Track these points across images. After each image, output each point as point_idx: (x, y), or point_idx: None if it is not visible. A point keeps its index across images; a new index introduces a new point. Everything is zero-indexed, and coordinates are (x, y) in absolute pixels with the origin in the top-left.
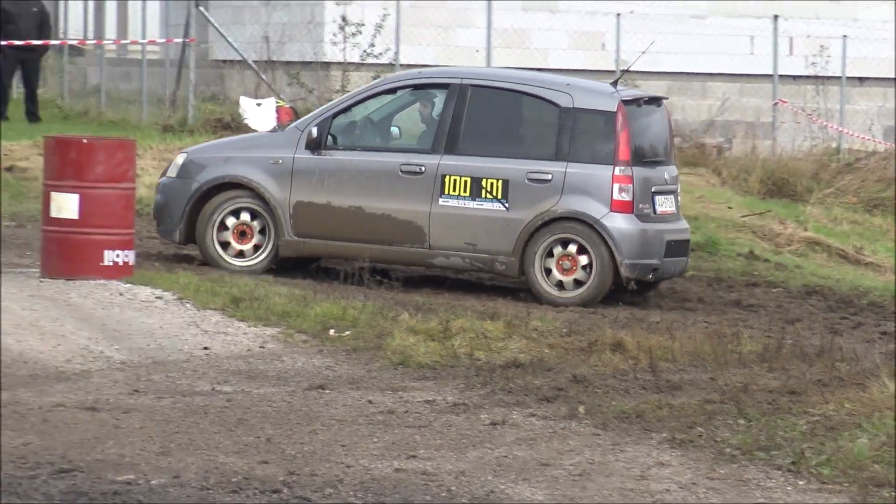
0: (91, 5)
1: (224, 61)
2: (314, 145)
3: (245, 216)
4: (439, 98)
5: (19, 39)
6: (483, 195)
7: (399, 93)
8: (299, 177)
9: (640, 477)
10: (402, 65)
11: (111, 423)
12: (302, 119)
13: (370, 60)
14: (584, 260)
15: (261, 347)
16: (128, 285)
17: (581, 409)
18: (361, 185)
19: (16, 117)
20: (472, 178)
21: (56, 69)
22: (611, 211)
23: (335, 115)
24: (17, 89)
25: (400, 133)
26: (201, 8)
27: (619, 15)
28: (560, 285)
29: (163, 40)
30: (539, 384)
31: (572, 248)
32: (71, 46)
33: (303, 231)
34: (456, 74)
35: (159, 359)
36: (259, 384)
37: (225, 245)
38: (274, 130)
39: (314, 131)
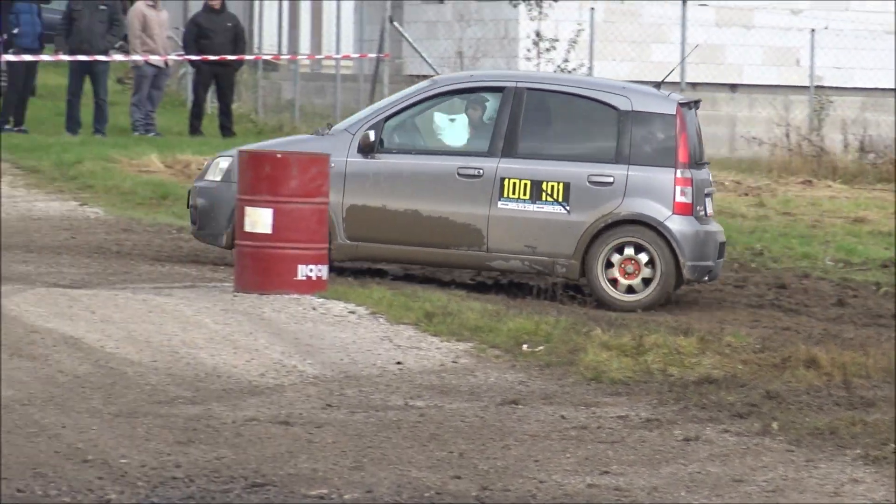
0: (285, 21)
1: (418, 76)
2: (367, 148)
3: None
4: (491, 101)
5: (214, 55)
6: (543, 198)
7: (452, 96)
8: (353, 180)
9: (833, 494)
10: None
11: (304, 437)
12: (350, 122)
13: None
14: (645, 262)
15: (453, 362)
16: (321, 300)
17: (774, 425)
18: (417, 189)
19: (210, 132)
20: (532, 181)
21: (250, 84)
22: (673, 213)
23: (387, 119)
24: (211, 104)
25: (455, 136)
26: (396, 24)
27: (813, 31)
28: (623, 288)
29: (357, 55)
30: (732, 400)
31: (633, 251)
32: (265, 61)
33: (356, 235)
34: (509, 77)
35: (352, 373)
36: (452, 399)
37: None
38: (319, 133)
39: (370, 134)
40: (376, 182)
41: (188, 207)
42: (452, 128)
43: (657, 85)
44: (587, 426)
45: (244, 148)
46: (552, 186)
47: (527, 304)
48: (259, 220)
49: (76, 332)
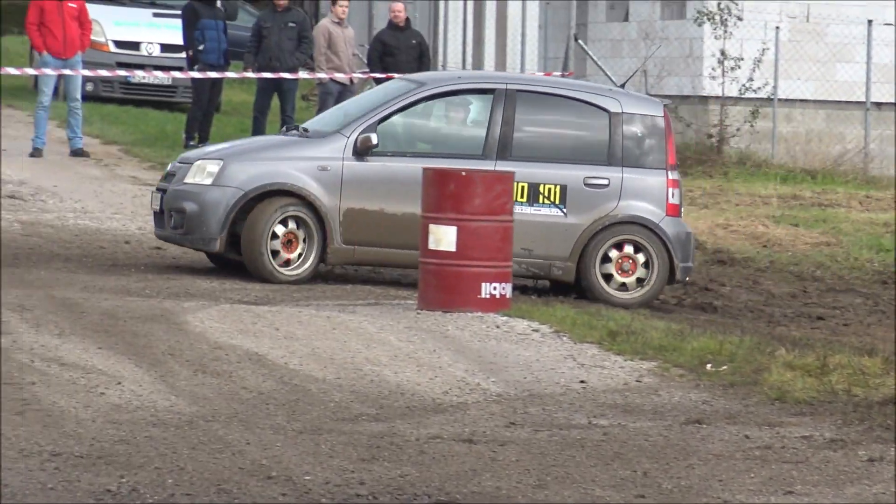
0: (469, 38)
1: None
2: (365, 151)
3: (291, 224)
4: (482, 103)
5: (398, 72)
6: (541, 201)
7: (441, 98)
8: (349, 183)
9: None
10: (779, 99)
11: (488, 455)
12: (336, 123)
13: (748, 95)
14: (642, 261)
15: (637, 381)
16: (504, 318)
17: None
18: (416, 191)
19: None
20: (528, 183)
21: None
22: (666, 215)
23: (380, 121)
24: None
25: (447, 139)
26: (580, 42)
27: None
28: (616, 284)
29: (541, 73)
30: None
31: (630, 250)
32: None
33: (353, 238)
34: (498, 79)
35: (535, 391)
36: (635, 418)
37: (273, 254)
38: (289, 134)
39: (372, 137)
40: (373, 185)
41: (161, 212)
42: (445, 130)
43: (621, 86)
44: (771, 446)
45: (428, 166)
46: (549, 189)
47: (710, 324)
48: (443, 237)
49: (260, 348)
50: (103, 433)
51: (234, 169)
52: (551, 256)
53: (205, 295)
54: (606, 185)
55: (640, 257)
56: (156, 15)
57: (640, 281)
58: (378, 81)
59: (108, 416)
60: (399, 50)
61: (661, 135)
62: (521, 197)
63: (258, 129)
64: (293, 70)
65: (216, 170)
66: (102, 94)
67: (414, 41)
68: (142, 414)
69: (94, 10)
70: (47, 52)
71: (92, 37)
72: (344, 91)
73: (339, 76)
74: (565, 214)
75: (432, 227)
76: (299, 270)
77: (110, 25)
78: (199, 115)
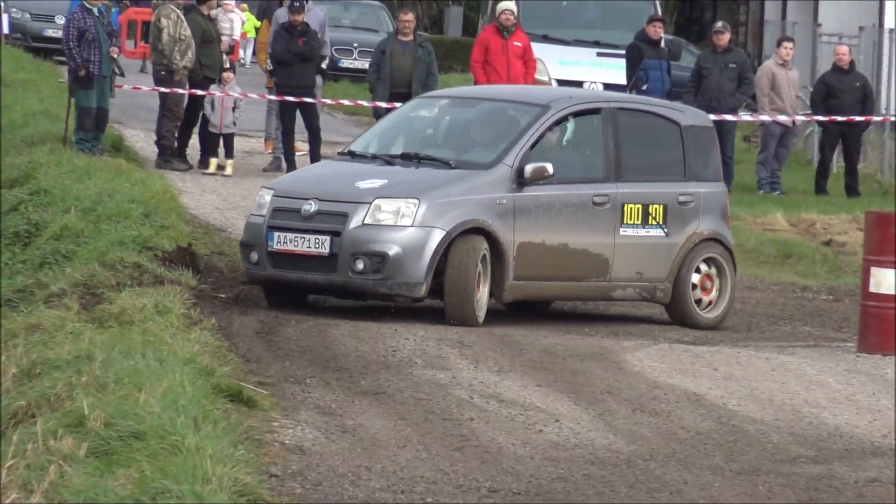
0: None
1: None
2: (532, 181)
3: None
4: (589, 123)
5: (841, 115)
6: (650, 222)
7: (566, 120)
8: (520, 215)
9: None
10: None
11: None
12: (500, 153)
13: None
14: (718, 279)
15: None
16: None
17: None
18: (566, 220)
19: (835, 191)
20: (642, 204)
21: (877, 144)
22: (727, 229)
23: (532, 147)
24: (837, 163)
25: (569, 162)
26: None
27: None
28: (703, 305)
29: None
30: None
31: (706, 268)
32: (893, 122)
33: (522, 273)
34: (600, 98)
35: None
36: None
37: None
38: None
39: (548, 167)
40: (537, 216)
41: (332, 255)
42: (567, 153)
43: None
44: None
45: (871, 210)
46: (656, 209)
47: None
48: (883, 280)
49: (698, 388)
50: (541, 470)
51: (432, 208)
52: (655, 278)
53: (643, 334)
54: (692, 202)
55: (715, 274)
56: (599, 55)
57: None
58: (820, 124)
59: (546, 453)
60: (843, 92)
61: (714, 146)
62: (637, 219)
63: None
64: (733, 111)
65: (413, 209)
66: None
67: (858, 84)
68: (580, 452)
69: (538, 49)
70: None
71: (536, 75)
72: (787, 133)
73: (781, 118)
74: (667, 234)
75: (874, 269)
76: (482, 311)
77: (554, 64)
78: None
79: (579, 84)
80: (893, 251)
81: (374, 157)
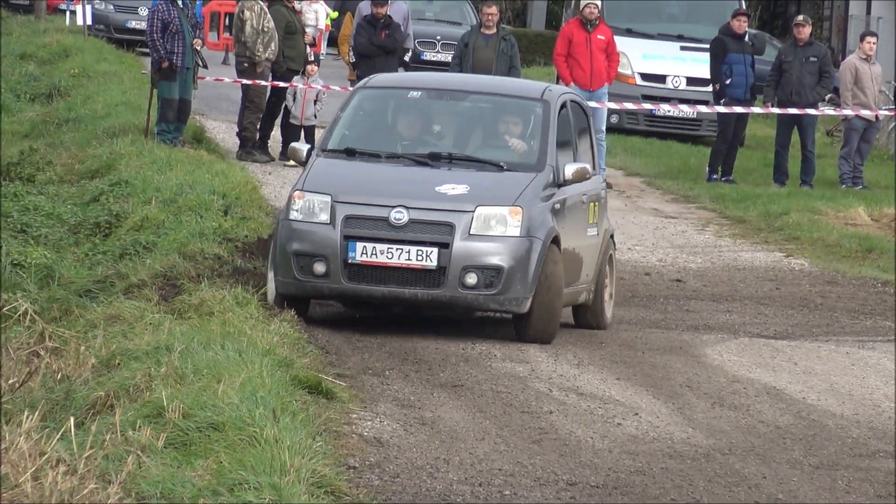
0: None
1: None
2: (563, 182)
3: None
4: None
5: None
6: (591, 220)
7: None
8: (560, 219)
9: None
10: None
11: None
12: (540, 154)
13: None
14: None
15: None
16: None
17: None
18: (571, 222)
19: None
20: (594, 202)
21: None
22: None
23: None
24: None
25: None
26: None
27: None
28: None
29: None
30: None
31: (609, 267)
32: None
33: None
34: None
35: None
36: None
37: None
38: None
39: (570, 169)
40: (565, 219)
41: (441, 269)
42: None
43: None
44: None
45: None
46: (595, 206)
47: None
48: None
49: (778, 382)
50: (619, 464)
51: (531, 216)
52: (590, 280)
53: (723, 328)
54: (605, 197)
55: (608, 271)
56: (683, 48)
57: None
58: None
59: (625, 446)
60: None
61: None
62: (594, 217)
63: (780, 164)
64: (813, 105)
65: (518, 218)
66: (626, 126)
67: None
68: (658, 445)
69: (622, 43)
70: (574, 84)
71: (619, 69)
72: (870, 128)
73: (864, 113)
74: (597, 233)
75: None
76: None
77: (638, 59)
78: (724, 149)
79: (662, 78)
80: None
81: (394, 157)
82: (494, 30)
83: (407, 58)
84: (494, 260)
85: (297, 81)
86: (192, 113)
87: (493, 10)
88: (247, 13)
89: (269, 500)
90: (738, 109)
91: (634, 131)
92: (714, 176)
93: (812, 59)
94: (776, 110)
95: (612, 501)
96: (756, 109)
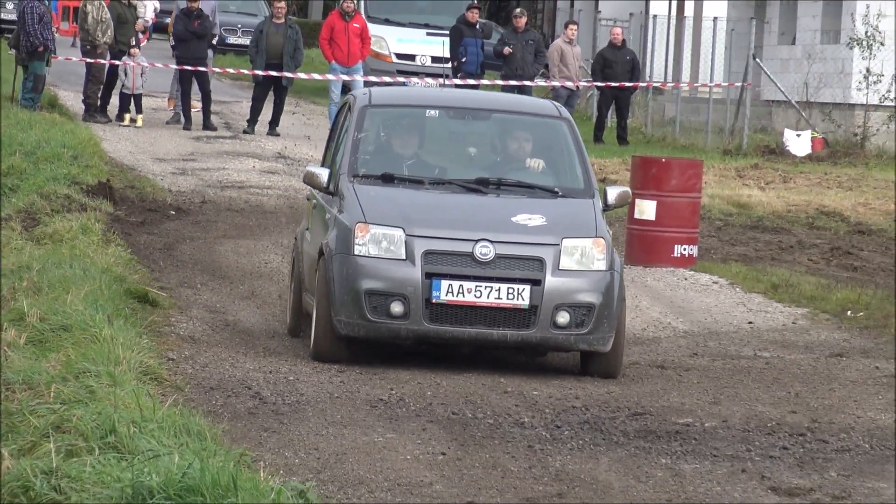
0: (671, 56)
1: (772, 101)
2: (606, 207)
3: None
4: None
5: (614, 81)
6: None
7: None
8: None
9: None
10: None
11: (675, 378)
12: (584, 178)
13: (886, 103)
14: None
15: (793, 323)
16: (691, 272)
17: None
18: None
19: (610, 141)
20: None
21: (642, 104)
22: None
23: None
24: (610, 119)
25: None
26: (757, 60)
27: None
28: None
29: (725, 84)
30: None
31: None
32: (654, 88)
33: None
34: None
35: (713, 329)
36: (790, 351)
37: None
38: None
39: (613, 194)
40: None
41: (532, 308)
42: None
43: None
44: None
45: (636, 154)
46: None
47: (851, 280)
48: (645, 209)
49: None
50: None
51: (610, 247)
52: None
53: None
54: None
55: None
56: (429, 34)
57: None
58: (598, 88)
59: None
60: (616, 64)
61: None
62: None
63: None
64: (531, 78)
65: (602, 250)
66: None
67: (628, 57)
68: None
69: (382, 31)
70: (335, 61)
71: (378, 50)
72: (572, 95)
73: (568, 84)
74: None
75: (637, 200)
76: None
77: (394, 42)
78: None
79: (413, 57)
80: (653, 186)
81: (439, 183)
82: (283, 20)
83: (215, 42)
84: (587, 297)
85: (127, 60)
86: (46, 85)
87: (282, 4)
88: (89, 7)
89: (106, 384)
90: (471, 81)
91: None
92: None
93: (530, 42)
94: (500, 82)
95: (373, 384)
96: (485, 81)
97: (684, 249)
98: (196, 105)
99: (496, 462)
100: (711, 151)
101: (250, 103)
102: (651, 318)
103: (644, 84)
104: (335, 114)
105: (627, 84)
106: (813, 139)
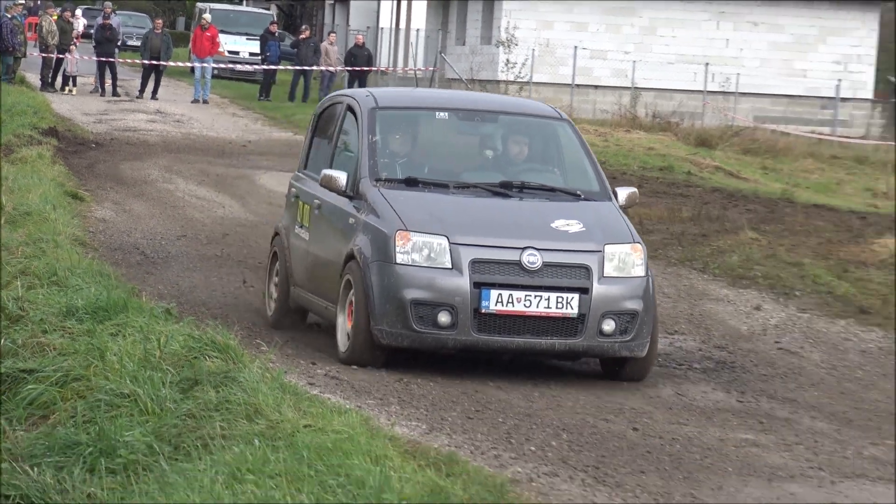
0: (392, 51)
1: (451, 79)
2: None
3: None
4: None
5: (359, 68)
6: None
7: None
8: None
9: None
10: (534, 83)
11: None
12: (597, 180)
13: (518, 80)
14: None
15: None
16: None
17: None
18: None
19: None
20: None
21: (373, 82)
22: None
23: None
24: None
25: None
26: (442, 54)
27: (634, 62)
28: None
29: (424, 68)
30: None
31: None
32: (382, 71)
33: None
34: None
35: None
36: None
37: None
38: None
39: (624, 194)
40: None
41: (581, 317)
42: None
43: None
44: None
45: None
46: None
47: None
48: None
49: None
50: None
51: (644, 252)
52: None
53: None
54: None
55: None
56: (248, 39)
57: None
58: (349, 73)
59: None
60: (359, 57)
61: None
62: None
63: (292, 90)
64: (310, 66)
65: (641, 256)
66: (220, 76)
67: (366, 53)
68: None
69: (222, 37)
70: (195, 55)
71: (220, 49)
72: (332, 77)
73: (330, 69)
74: None
75: None
76: None
77: (227, 43)
78: (270, 81)
79: (238, 53)
80: None
81: (464, 187)
82: (160, 30)
83: (119, 43)
84: (631, 304)
85: (67, 55)
86: (18, 71)
87: (160, 21)
88: (43, 22)
89: (52, 247)
90: (273, 67)
91: (223, 77)
92: (261, 97)
93: (310, 44)
94: (291, 68)
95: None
96: (281, 67)
97: None
98: (108, 81)
99: None
100: None
101: (140, 80)
102: None
103: (376, 69)
104: (314, 114)
105: (366, 69)
106: None
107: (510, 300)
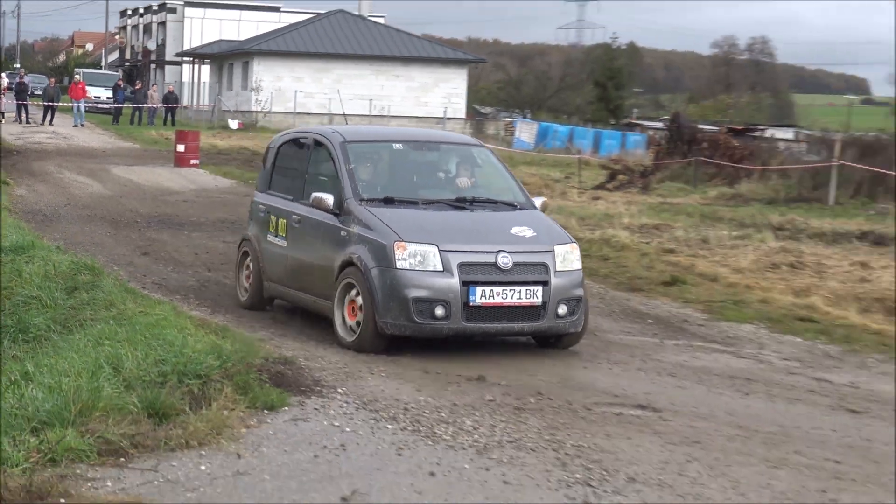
0: (196, 93)
1: (225, 111)
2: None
3: None
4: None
5: (174, 104)
6: None
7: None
8: None
9: None
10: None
11: None
12: (519, 192)
13: (262, 111)
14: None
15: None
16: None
17: None
18: None
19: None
20: None
21: (184, 114)
22: None
23: None
24: (169, 118)
25: None
26: (219, 96)
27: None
28: None
29: (208, 104)
30: None
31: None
32: (184, 107)
33: None
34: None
35: None
36: None
37: None
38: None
39: (540, 202)
40: None
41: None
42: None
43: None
44: None
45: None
46: None
47: None
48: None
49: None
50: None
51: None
52: None
53: None
54: None
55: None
56: (104, 88)
57: None
58: (164, 107)
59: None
60: (170, 100)
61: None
62: None
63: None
64: (145, 103)
65: (577, 253)
66: (89, 111)
67: (175, 96)
68: None
69: (89, 88)
70: (73, 98)
71: (87, 94)
72: (154, 111)
73: (153, 106)
74: None
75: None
76: None
77: (91, 92)
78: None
79: (99, 96)
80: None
81: (431, 203)
82: (53, 84)
83: (30, 93)
84: (578, 291)
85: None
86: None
87: (53, 80)
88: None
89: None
90: (118, 105)
91: (91, 111)
92: (114, 123)
93: (144, 93)
94: (131, 105)
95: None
96: (124, 106)
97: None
98: (24, 115)
99: None
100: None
101: (42, 114)
102: None
103: (181, 105)
104: (271, 147)
105: (175, 105)
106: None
107: (491, 294)
